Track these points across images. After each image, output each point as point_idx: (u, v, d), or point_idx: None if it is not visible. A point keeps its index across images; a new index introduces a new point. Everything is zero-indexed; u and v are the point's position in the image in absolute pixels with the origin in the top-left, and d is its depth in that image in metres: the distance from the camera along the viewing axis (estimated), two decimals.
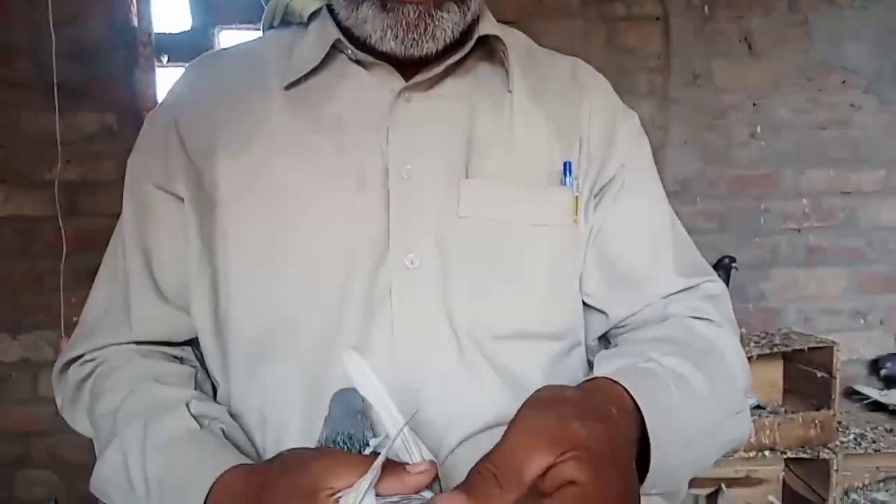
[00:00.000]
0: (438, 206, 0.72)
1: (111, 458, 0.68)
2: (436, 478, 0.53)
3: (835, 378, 1.98)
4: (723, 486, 0.78)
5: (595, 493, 0.45)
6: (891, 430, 2.13)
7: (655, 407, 0.59)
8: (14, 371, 2.15)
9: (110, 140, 2.07)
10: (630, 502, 0.48)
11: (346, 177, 0.71)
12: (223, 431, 0.69)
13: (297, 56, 0.75)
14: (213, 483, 0.60)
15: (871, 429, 2.13)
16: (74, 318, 0.83)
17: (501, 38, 0.75)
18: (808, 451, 1.98)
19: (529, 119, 0.76)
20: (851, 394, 2.26)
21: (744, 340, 2.09)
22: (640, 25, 2.29)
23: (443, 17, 0.70)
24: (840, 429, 2.08)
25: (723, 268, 2.19)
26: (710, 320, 0.76)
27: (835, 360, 1.98)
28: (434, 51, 0.71)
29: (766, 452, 1.98)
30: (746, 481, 2.02)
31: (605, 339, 0.84)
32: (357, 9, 0.70)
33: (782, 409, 2.12)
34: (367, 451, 0.51)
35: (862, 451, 2.01)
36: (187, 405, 0.69)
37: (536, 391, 0.54)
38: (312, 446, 0.63)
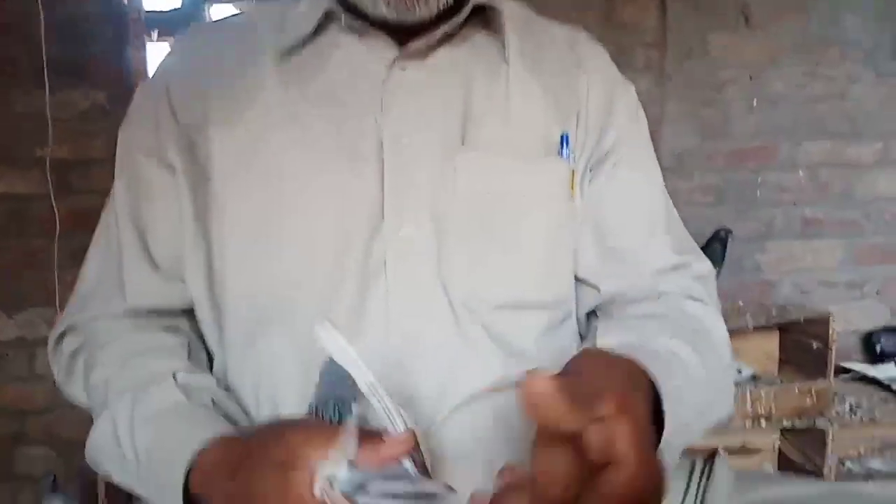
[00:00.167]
0: (434, 177, 0.71)
1: (103, 428, 0.69)
2: (416, 447, 0.53)
3: (830, 349, 1.99)
4: (720, 450, 0.78)
5: (638, 472, 0.42)
6: (885, 400, 2.14)
7: (670, 394, 0.59)
8: (10, 349, 2.15)
9: (102, 118, 2.05)
10: (660, 484, 0.46)
11: (341, 150, 0.71)
12: (213, 402, 0.70)
13: (290, 24, 0.73)
14: (195, 455, 0.60)
15: (867, 398, 2.14)
16: (69, 296, 0.83)
17: (497, 6, 0.74)
18: (804, 421, 1.99)
19: (526, 90, 0.75)
20: (844, 371, 2.26)
21: (740, 312, 2.10)
22: (636, 0, 2.27)
23: None
24: (835, 398, 2.09)
25: (719, 240, 2.18)
26: (701, 301, 0.77)
27: (831, 331, 1.99)
28: (428, 17, 0.69)
29: (762, 422, 1.99)
30: (742, 451, 2.04)
31: (593, 314, 0.83)
32: None
33: (778, 381, 2.13)
34: (349, 421, 0.50)
35: (857, 421, 2.02)
36: (174, 376, 0.69)
37: (586, 350, 0.55)
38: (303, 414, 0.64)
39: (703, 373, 0.68)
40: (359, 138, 0.71)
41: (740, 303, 2.28)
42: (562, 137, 0.76)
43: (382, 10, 0.68)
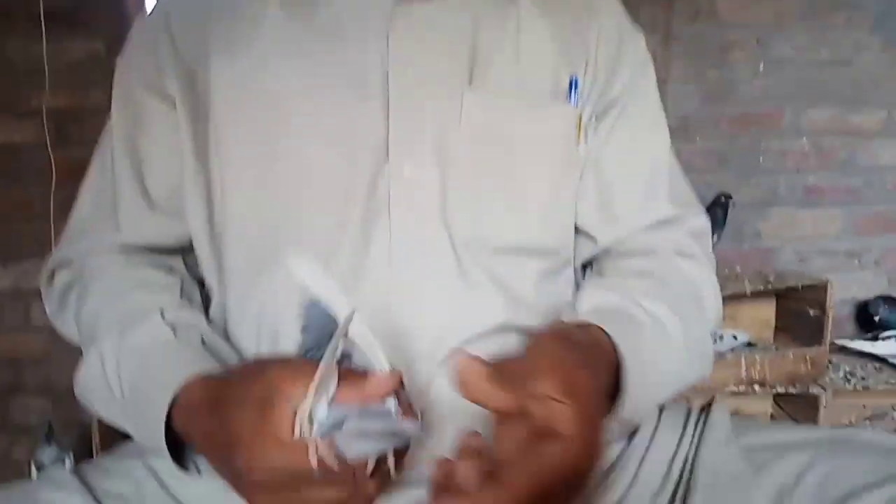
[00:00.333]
0: (439, 115, 0.70)
1: (91, 362, 0.68)
2: (400, 387, 0.52)
3: (827, 316, 1.99)
4: (717, 396, 0.78)
5: (577, 450, 0.47)
6: (880, 370, 2.15)
7: (635, 366, 0.61)
8: (5, 299, 2.14)
9: (99, 67, 2.01)
10: (598, 455, 0.50)
11: (345, 83, 0.69)
12: (202, 340, 0.69)
13: None
14: (178, 391, 0.60)
15: (861, 367, 2.15)
16: (61, 237, 0.82)
17: None
18: (798, 387, 2.00)
19: (536, 31, 0.74)
20: (840, 349, 2.26)
21: (738, 278, 2.10)
22: None
23: None
24: (830, 366, 2.09)
25: (720, 206, 2.17)
26: (694, 257, 0.77)
27: (828, 299, 1.98)
28: None
29: (756, 387, 1.99)
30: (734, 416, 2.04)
31: (588, 265, 0.84)
32: None
33: (773, 347, 2.13)
34: (326, 357, 0.49)
35: (851, 388, 2.03)
36: (162, 312, 0.69)
37: (553, 325, 0.57)
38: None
39: (682, 334, 0.69)
40: (363, 72, 0.69)
41: (738, 269, 2.27)
42: (571, 81, 0.74)
43: None
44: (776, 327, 2.22)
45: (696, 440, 0.73)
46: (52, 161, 2.01)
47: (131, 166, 0.76)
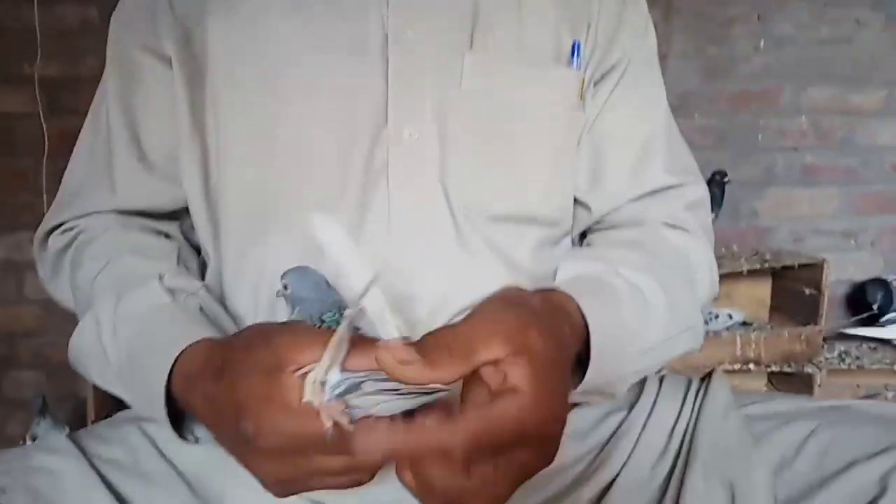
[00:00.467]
0: (439, 77, 0.69)
1: (86, 327, 0.67)
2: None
3: (823, 295, 1.99)
4: (717, 367, 0.78)
5: (533, 404, 0.46)
6: (875, 349, 2.16)
7: (603, 330, 0.60)
8: None
9: (92, 34, 1.99)
10: (560, 417, 0.50)
11: (343, 43, 0.68)
12: (200, 308, 0.68)
13: None
14: (178, 357, 0.59)
15: (856, 346, 2.16)
16: (54, 200, 0.80)
17: None
18: (792, 366, 2.00)
19: None
20: (843, 337, 2.25)
21: (734, 257, 2.10)
22: None
23: None
24: (825, 345, 2.10)
25: (715, 184, 2.16)
26: (686, 230, 0.76)
27: (824, 278, 1.99)
28: None
29: (751, 366, 2.00)
30: None
31: (583, 235, 0.83)
32: None
33: (769, 326, 2.13)
34: (344, 325, 0.48)
35: (845, 368, 2.03)
36: (160, 278, 0.67)
37: (503, 289, 0.55)
38: None
39: (666, 304, 0.67)
40: (363, 32, 0.68)
41: (735, 247, 2.27)
42: (573, 45, 0.73)
43: None
44: (771, 306, 2.23)
45: (696, 410, 0.72)
46: (45, 131, 2.00)
47: (127, 127, 0.75)
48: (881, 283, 2.31)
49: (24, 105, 2.01)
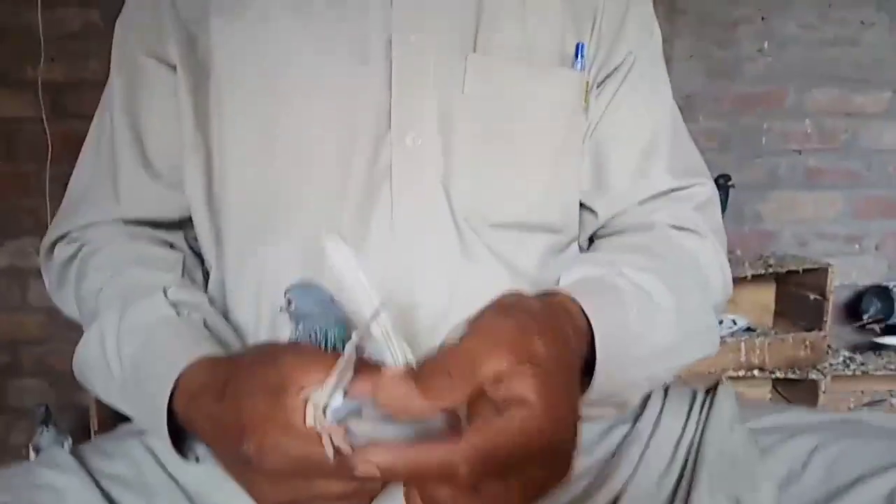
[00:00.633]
0: (442, 80, 0.68)
1: (91, 339, 0.67)
2: None
3: (828, 300, 1.98)
4: (723, 377, 0.77)
5: (541, 415, 0.44)
6: (879, 354, 2.15)
7: (609, 332, 0.58)
8: (1, 279, 2.12)
9: (96, 37, 1.99)
10: (571, 426, 0.47)
11: (347, 46, 0.68)
12: (204, 322, 0.67)
13: None
14: (181, 373, 0.58)
15: (861, 352, 2.15)
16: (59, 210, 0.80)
17: None
18: (797, 372, 1.99)
19: None
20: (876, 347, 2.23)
21: (738, 261, 2.09)
22: None
23: None
24: (829, 351, 2.09)
25: (719, 188, 2.14)
26: (695, 232, 0.74)
27: (829, 283, 1.98)
28: None
29: (755, 372, 1.99)
30: None
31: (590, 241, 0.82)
32: None
33: (772, 332, 2.12)
34: (350, 348, 0.48)
35: (850, 373, 2.02)
36: (165, 291, 0.67)
37: (500, 296, 0.52)
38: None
39: (674, 313, 0.65)
40: (366, 34, 0.68)
41: (738, 251, 2.26)
42: (577, 47, 0.73)
43: None
44: (775, 311, 2.22)
45: (701, 423, 0.72)
46: (48, 135, 1.99)
47: (131, 134, 0.74)
48: (880, 292, 2.30)
49: (27, 109, 2.01)
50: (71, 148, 1.99)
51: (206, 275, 0.77)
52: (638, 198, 0.76)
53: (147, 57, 0.73)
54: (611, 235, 0.78)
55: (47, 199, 1.99)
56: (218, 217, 0.72)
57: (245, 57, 0.68)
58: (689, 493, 0.65)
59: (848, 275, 2.37)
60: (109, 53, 0.77)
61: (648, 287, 0.65)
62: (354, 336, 0.47)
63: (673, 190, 0.76)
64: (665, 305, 0.65)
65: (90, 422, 1.83)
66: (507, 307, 0.51)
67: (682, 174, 0.77)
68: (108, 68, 0.77)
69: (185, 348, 0.61)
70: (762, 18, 2.28)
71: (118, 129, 0.75)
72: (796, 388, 2.05)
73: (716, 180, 2.09)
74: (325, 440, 0.46)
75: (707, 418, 0.72)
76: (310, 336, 0.59)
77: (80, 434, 1.92)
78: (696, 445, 0.70)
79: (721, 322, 2.04)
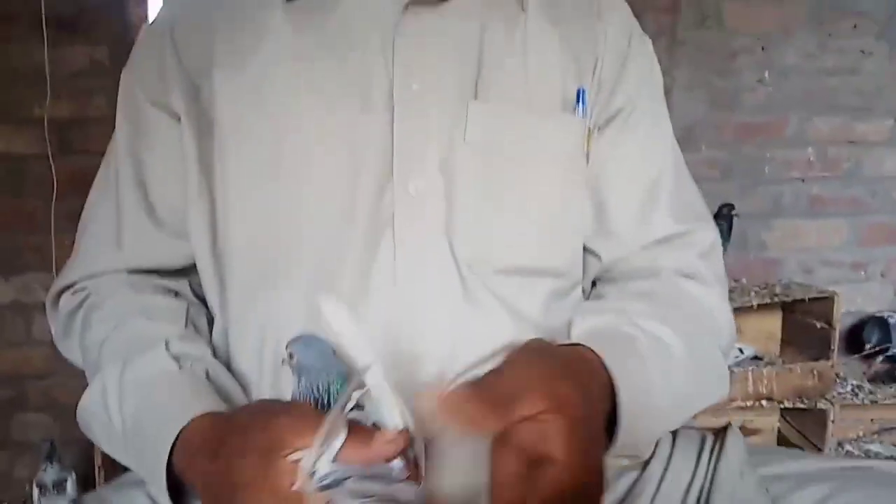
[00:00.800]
0: (444, 128, 0.68)
1: (93, 392, 0.67)
2: (408, 445, 0.50)
3: (835, 329, 1.97)
4: (731, 423, 0.77)
5: (570, 473, 0.44)
6: (887, 383, 2.13)
7: (630, 383, 0.58)
8: (7, 313, 2.12)
9: (102, 75, 1.99)
10: (599, 476, 0.48)
11: (350, 95, 0.68)
12: (207, 373, 0.67)
13: None
14: (180, 431, 0.58)
15: (869, 380, 2.13)
16: (67, 260, 0.80)
17: None
18: (805, 402, 1.98)
19: (545, 41, 0.72)
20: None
21: (744, 290, 2.08)
22: None
23: None
24: (837, 380, 2.07)
25: (723, 217, 2.15)
26: (701, 280, 0.74)
27: (835, 311, 1.96)
28: None
29: (763, 402, 1.97)
30: (741, 431, 2.02)
31: (594, 285, 0.82)
32: None
33: (779, 361, 2.11)
34: (350, 405, 0.48)
35: (859, 403, 2.01)
36: (166, 344, 0.67)
37: (528, 341, 0.53)
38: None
39: (687, 355, 0.66)
40: (368, 83, 0.68)
41: (744, 280, 2.26)
42: (578, 92, 0.73)
43: None
44: (782, 340, 2.21)
45: (711, 469, 0.71)
46: (54, 171, 2.00)
47: (136, 183, 0.75)
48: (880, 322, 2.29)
49: (34, 146, 2.02)
50: (77, 184, 2.01)
51: (211, 321, 0.77)
52: (640, 243, 0.75)
53: (151, 106, 0.74)
54: (616, 280, 0.78)
55: (52, 235, 1.99)
56: (222, 264, 0.72)
57: (248, 106, 0.69)
58: None
59: (854, 301, 2.36)
60: (116, 91, 0.77)
61: (662, 336, 0.65)
62: (341, 399, 0.48)
63: (676, 235, 0.76)
64: (678, 354, 0.65)
65: (94, 456, 1.82)
66: (536, 350, 0.51)
67: (684, 219, 0.76)
68: (115, 106, 0.77)
69: (186, 404, 0.61)
70: (762, 48, 2.29)
71: (122, 178, 0.75)
72: (805, 418, 2.03)
73: (720, 209, 2.13)
74: None
75: (716, 464, 0.71)
76: (312, 390, 0.59)
77: (85, 469, 1.91)
78: (706, 492, 0.69)
79: None
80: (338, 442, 0.48)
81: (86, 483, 1.90)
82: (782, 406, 2.00)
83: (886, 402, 2.02)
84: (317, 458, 0.47)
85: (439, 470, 0.45)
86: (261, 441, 0.50)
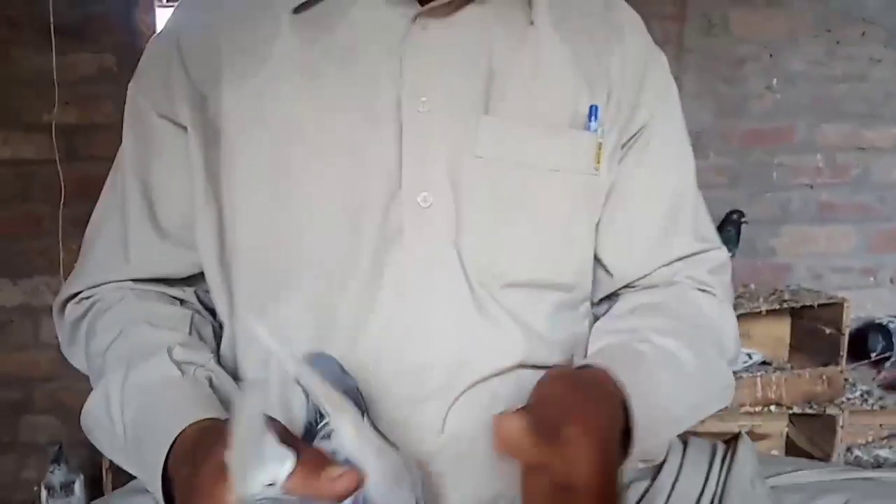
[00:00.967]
0: (454, 142, 0.68)
1: (96, 398, 0.67)
2: (360, 486, 0.47)
3: (843, 335, 1.96)
4: (743, 432, 0.77)
5: (594, 494, 0.48)
6: None
7: (641, 396, 0.59)
8: (15, 316, 2.13)
9: (109, 81, 2.00)
10: (615, 497, 0.51)
11: (357, 107, 0.68)
12: (210, 381, 0.67)
13: None
14: (177, 437, 0.58)
15: (879, 385, 2.12)
16: (74, 264, 0.80)
17: None
18: (815, 407, 1.97)
19: (556, 55, 0.72)
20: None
21: (752, 296, 2.07)
22: None
23: None
24: (847, 385, 2.06)
25: (732, 223, 2.14)
26: (713, 293, 0.76)
27: (844, 317, 1.95)
28: None
29: (772, 408, 1.97)
30: (749, 436, 2.02)
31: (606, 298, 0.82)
32: None
33: (788, 366, 2.10)
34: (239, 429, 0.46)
35: (868, 408, 2.00)
36: (170, 351, 0.67)
37: (556, 369, 0.58)
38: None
39: (696, 368, 0.67)
40: (376, 96, 0.68)
41: (752, 286, 2.25)
42: (591, 109, 0.72)
43: None
44: (791, 345, 2.20)
45: (722, 479, 0.71)
46: (62, 177, 2.01)
47: (142, 194, 0.75)
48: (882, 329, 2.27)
49: (42, 152, 2.03)
50: (84, 190, 2.02)
51: (216, 331, 0.77)
52: (660, 262, 0.77)
53: (158, 117, 0.73)
54: (630, 293, 0.79)
55: (60, 239, 2.00)
56: (230, 273, 0.72)
57: (255, 118, 0.68)
58: None
59: (863, 307, 2.35)
60: (123, 98, 0.77)
61: (674, 349, 0.67)
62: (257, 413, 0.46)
63: (693, 254, 0.77)
64: (689, 367, 0.67)
65: (102, 459, 1.83)
66: (568, 378, 0.56)
67: (703, 238, 0.78)
68: (122, 112, 0.77)
69: (185, 410, 0.60)
70: (769, 55, 2.28)
71: (128, 189, 0.75)
72: (814, 423, 2.02)
73: (729, 215, 2.13)
74: None
75: (728, 474, 0.71)
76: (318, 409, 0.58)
77: (92, 471, 1.91)
78: (717, 502, 0.69)
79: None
80: (284, 467, 0.46)
81: (93, 485, 1.91)
82: (791, 412, 1.99)
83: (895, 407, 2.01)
84: (238, 480, 0.44)
85: None
86: (221, 454, 0.49)
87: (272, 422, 0.51)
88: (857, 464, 2.04)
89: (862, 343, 2.27)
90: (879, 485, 0.67)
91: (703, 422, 0.71)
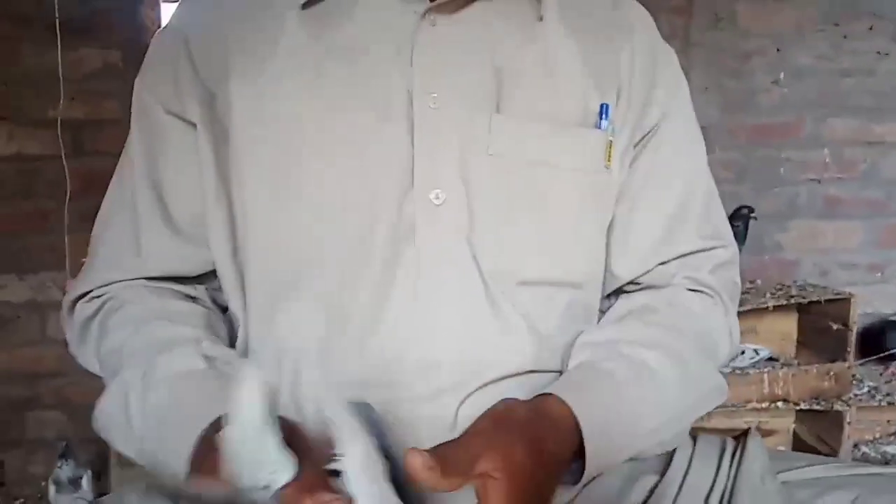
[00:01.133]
0: (466, 140, 0.68)
1: (113, 394, 0.66)
2: None
3: (851, 330, 1.95)
4: (752, 428, 0.77)
5: None
6: None
7: (597, 427, 0.61)
8: (21, 312, 2.13)
9: (115, 77, 2.00)
10: None
11: (366, 104, 0.67)
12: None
13: None
14: (210, 425, 0.57)
15: (886, 382, 2.11)
16: (81, 260, 0.79)
17: None
18: (822, 404, 1.96)
19: (565, 52, 0.72)
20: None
21: (759, 292, 2.07)
22: None
23: None
24: (854, 381, 2.06)
25: (740, 218, 2.14)
26: (708, 294, 0.76)
27: (852, 313, 1.95)
28: None
29: (779, 404, 1.96)
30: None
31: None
32: None
33: (795, 362, 2.10)
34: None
35: (876, 404, 1.99)
36: (198, 342, 0.67)
37: (496, 405, 0.58)
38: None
39: (677, 377, 0.68)
40: (386, 93, 0.67)
41: (759, 281, 2.24)
42: (601, 107, 0.72)
43: None
44: (798, 341, 2.19)
45: (732, 474, 0.71)
46: (67, 172, 2.01)
47: (152, 191, 0.74)
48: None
49: (47, 147, 2.03)
50: (90, 185, 2.02)
51: (229, 332, 0.77)
52: (659, 260, 0.76)
53: (166, 114, 0.73)
54: (625, 292, 0.79)
55: (66, 235, 2.01)
56: (242, 272, 0.71)
57: (263, 116, 0.68)
58: None
59: (870, 303, 2.34)
60: (129, 93, 0.77)
61: (650, 362, 0.68)
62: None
63: (696, 251, 0.77)
64: (667, 377, 0.68)
65: (109, 454, 1.83)
66: (499, 419, 0.57)
67: (709, 236, 0.77)
68: (128, 108, 0.77)
69: (213, 404, 0.59)
70: (777, 50, 2.27)
71: (139, 187, 0.74)
72: (821, 419, 2.02)
73: (737, 210, 2.12)
74: None
75: (738, 470, 0.70)
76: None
77: (100, 466, 1.92)
78: (727, 498, 0.69)
79: (743, 352, 2.02)
80: (284, 476, 0.47)
81: (101, 481, 1.91)
82: (798, 408, 1.99)
83: None
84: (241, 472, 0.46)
85: None
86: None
87: (283, 422, 0.51)
88: (865, 460, 2.04)
89: (873, 339, 2.26)
90: (890, 480, 0.66)
91: (709, 419, 0.71)
